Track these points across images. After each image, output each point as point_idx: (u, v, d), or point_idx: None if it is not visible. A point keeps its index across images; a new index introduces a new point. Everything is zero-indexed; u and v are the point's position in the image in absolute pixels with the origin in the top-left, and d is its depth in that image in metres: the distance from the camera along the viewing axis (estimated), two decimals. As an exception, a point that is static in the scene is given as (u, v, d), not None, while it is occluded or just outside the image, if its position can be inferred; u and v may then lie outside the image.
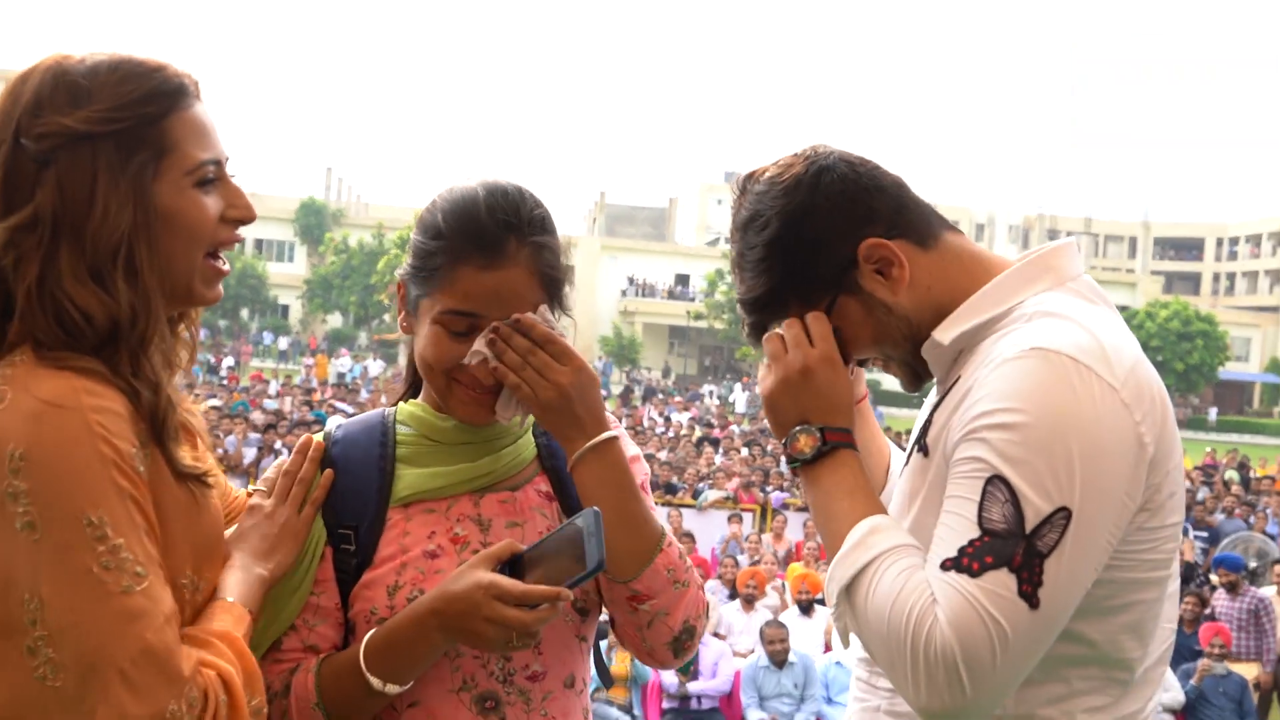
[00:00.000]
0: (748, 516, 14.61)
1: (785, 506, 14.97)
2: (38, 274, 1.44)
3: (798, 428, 1.73)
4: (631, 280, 68.59)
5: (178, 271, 1.54)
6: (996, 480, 1.49)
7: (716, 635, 8.82)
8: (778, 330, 1.79)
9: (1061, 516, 1.47)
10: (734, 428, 28.47)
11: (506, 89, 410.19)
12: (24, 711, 1.36)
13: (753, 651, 8.75)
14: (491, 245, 1.73)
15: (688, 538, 11.32)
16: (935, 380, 1.84)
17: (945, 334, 1.74)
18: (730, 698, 8.21)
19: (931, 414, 1.74)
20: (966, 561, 1.47)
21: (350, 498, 1.82)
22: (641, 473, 1.92)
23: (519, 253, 1.75)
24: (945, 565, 1.49)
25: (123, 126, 1.47)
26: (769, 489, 15.94)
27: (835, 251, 1.73)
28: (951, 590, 1.46)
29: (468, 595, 1.61)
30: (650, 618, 1.77)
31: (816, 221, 1.73)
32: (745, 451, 21.23)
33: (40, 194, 1.44)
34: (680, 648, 1.82)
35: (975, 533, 1.49)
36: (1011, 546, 1.46)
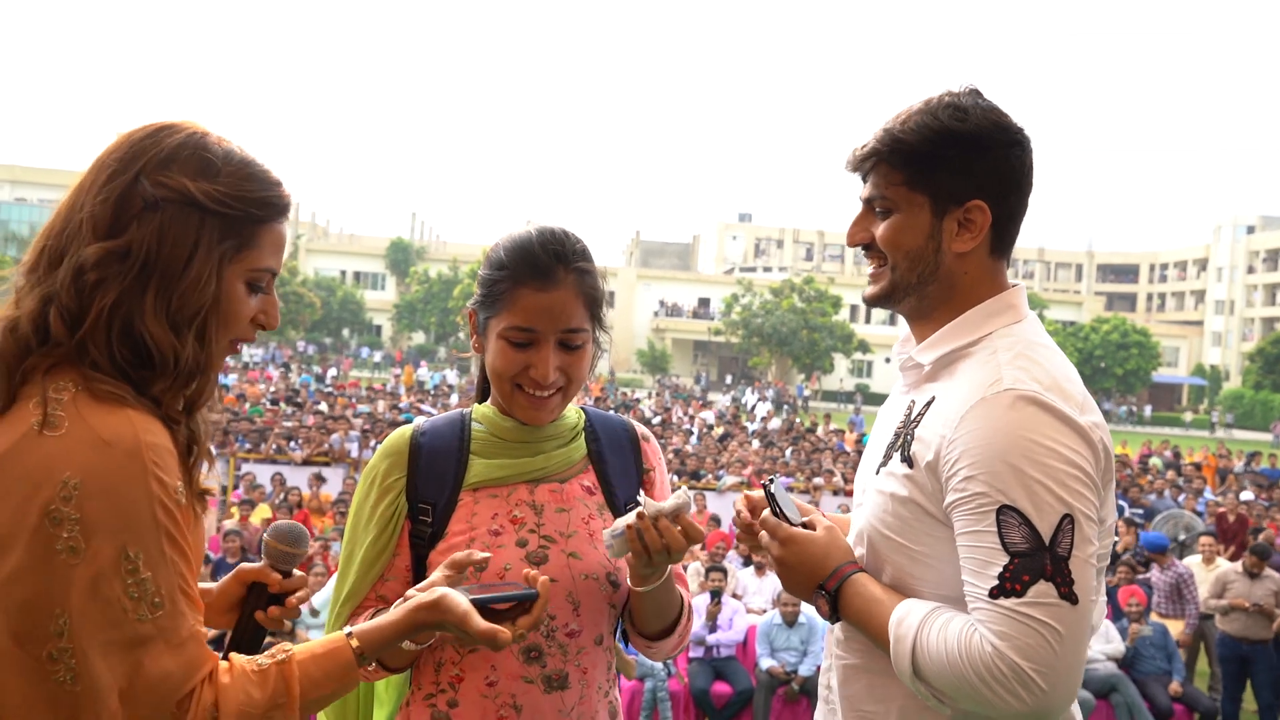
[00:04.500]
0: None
1: (790, 490, 14.88)
2: (115, 301, 1.33)
3: (814, 597, 1.70)
4: (662, 303, 68.73)
5: None
6: (1005, 509, 1.48)
7: (734, 596, 8.79)
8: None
9: (1067, 522, 1.47)
10: (747, 424, 28.39)
11: (559, 147, 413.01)
12: (36, 713, 1.25)
13: (765, 610, 8.73)
14: (544, 271, 1.77)
15: (713, 521, 11.29)
16: (904, 381, 1.80)
17: (925, 355, 1.72)
18: (745, 648, 8.20)
19: (912, 427, 1.67)
20: (1009, 585, 1.46)
21: (431, 480, 1.83)
22: (664, 473, 2.02)
23: (566, 277, 1.79)
24: (994, 594, 1.47)
25: (230, 213, 1.40)
26: (776, 474, 15.85)
27: (967, 183, 1.66)
28: (1002, 615, 1.45)
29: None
30: (652, 652, 1.92)
31: (986, 156, 1.66)
32: (756, 444, 21.17)
33: (138, 231, 1.35)
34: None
35: (1005, 559, 1.47)
36: (1040, 560, 1.45)
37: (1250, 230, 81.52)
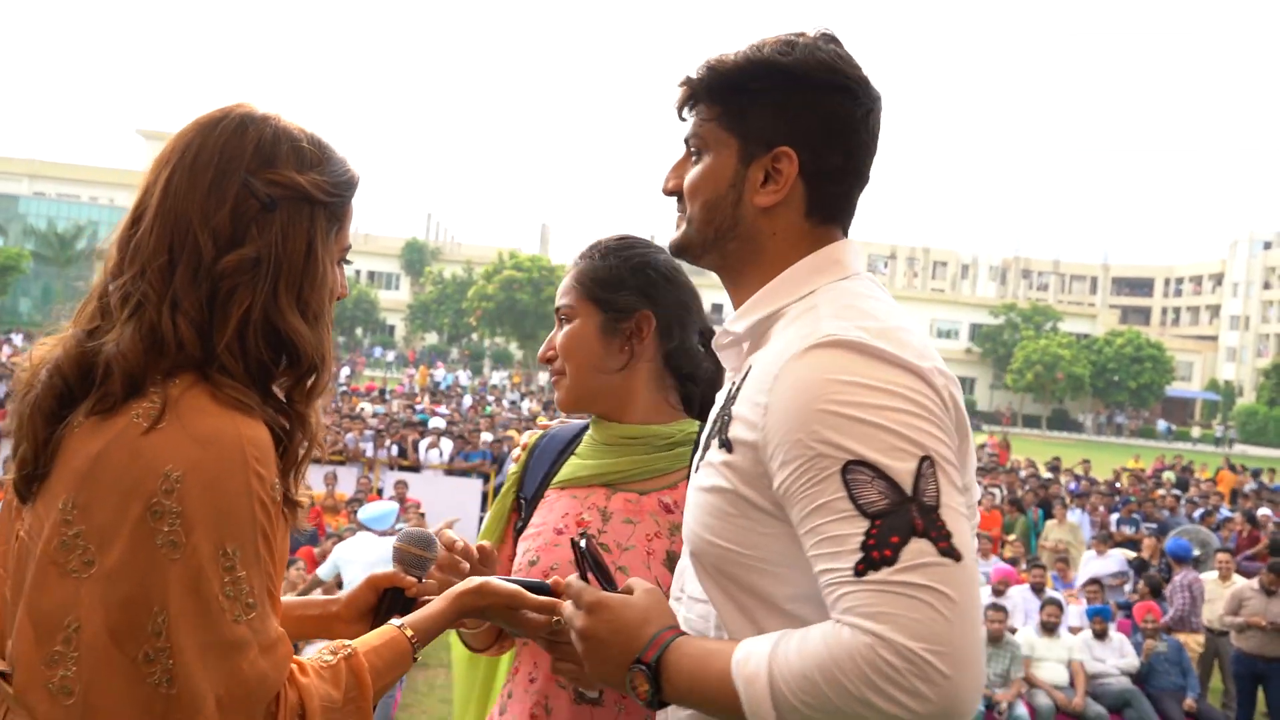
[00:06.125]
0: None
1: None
2: (251, 306, 1.33)
3: (627, 678, 1.32)
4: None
5: None
6: (852, 465, 1.18)
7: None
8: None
9: (928, 466, 1.18)
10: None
11: (576, 150, 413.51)
12: (130, 716, 1.23)
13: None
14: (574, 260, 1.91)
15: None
16: (728, 370, 1.52)
17: (739, 323, 1.45)
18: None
19: (729, 407, 1.39)
20: (878, 555, 1.15)
21: (531, 476, 1.94)
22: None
23: (573, 268, 1.89)
24: (859, 569, 1.15)
25: (333, 200, 1.41)
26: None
27: (778, 125, 1.41)
28: (874, 592, 1.13)
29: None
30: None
31: (802, 97, 1.41)
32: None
33: (263, 235, 1.35)
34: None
35: (865, 524, 1.16)
36: (906, 515, 1.15)
37: (1267, 246, 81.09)
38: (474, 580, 1.55)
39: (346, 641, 1.42)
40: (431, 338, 65.58)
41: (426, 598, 1.63)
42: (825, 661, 1.14)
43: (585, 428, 1.96)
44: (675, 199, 1.53)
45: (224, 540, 1.25)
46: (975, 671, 1.13)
